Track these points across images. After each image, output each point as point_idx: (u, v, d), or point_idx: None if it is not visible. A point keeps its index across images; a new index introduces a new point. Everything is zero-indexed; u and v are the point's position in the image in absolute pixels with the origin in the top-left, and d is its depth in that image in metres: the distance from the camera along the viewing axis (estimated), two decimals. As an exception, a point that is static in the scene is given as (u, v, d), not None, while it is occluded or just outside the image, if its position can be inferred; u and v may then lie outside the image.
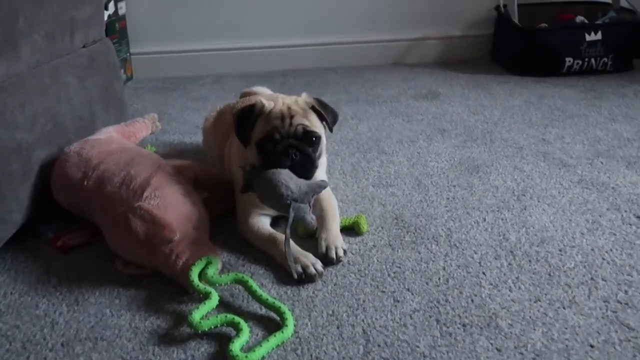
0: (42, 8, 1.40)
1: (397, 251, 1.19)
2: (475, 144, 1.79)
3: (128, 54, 2.77)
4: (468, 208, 1.37)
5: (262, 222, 1.22)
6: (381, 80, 2.60)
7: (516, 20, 2.59)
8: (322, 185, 1.16)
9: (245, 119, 1.21)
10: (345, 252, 1.16)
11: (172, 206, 1.12)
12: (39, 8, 1.39)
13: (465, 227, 1.28)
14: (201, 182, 1.28)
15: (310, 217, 1.12)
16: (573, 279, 1.07)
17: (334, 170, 1.60)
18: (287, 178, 1.12)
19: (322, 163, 1.31)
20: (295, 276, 1.06)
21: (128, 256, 1.12)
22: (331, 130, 1.27)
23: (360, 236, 1.26)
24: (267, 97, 1.29)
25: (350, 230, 1.27)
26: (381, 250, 1.20)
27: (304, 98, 1.26)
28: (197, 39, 2.84)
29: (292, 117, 1.19)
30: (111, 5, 2.61)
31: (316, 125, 1.22)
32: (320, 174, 1.30)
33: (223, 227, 1.28)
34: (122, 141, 1.38)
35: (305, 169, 1.19)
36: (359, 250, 1.20)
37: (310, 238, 1.22)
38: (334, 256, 1.14)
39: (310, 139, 1.20)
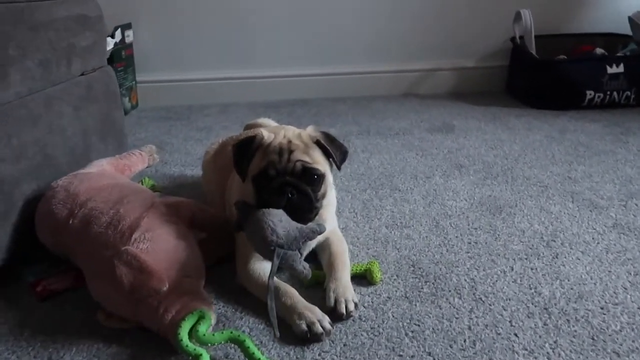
0: (37, 34, 1.32)
1: (415, 305, 1.06)
2: (496, 182, 1.66)
3: (134, 82, 2.71)
4: (493, 255, 1.24)
5: (264, 268, 1.09)
6: (392, 112, 2.50)
7: (534, 52, 2.50)
8: (315, 230, 1.03)
9: (244, 151, 1.11)
10: (356, 305, 1.03)
11: (163, 251, 1.00)
12: (34, 34, 1.31)
13: (490, 277, 1.15)
14: (198, 222, 1.16)
15: (302, 266, 1.00)
16: (621, 345, 0.93)
17: (343, 208, 1.48)
18: (275, 220, 1.00)
19: (331, 203, 1.20)
20: (277, 334, 0.92)
21: (111, 307, 0.99)
22: (339, 169, 1.16)
23: (374, 286, 1.12)
24: (271, 130, 1.18)
25: (361, 278, 1.14)
26: (397, 303, 1.06)
27: (309, 131, 1.15)
28: (204, 67, 2.78)
29: (291, 152, 1.08)
30: (118, 33, 2.56)
31: (319, 161, 1.10)
32: (328, 215, 1.18)
33: (221, 273, 1.16)
34: (115, 175, 1.28)
35: (303, 210, 1.07)
36: (372, 303, 1.07)
37: (316, 287, 1.09)
38: (344, 311, 1.00)
39: (310, 177, 1.08)
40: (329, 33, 2.75)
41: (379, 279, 1.13)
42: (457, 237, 1.33)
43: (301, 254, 1.00)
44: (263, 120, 1.62)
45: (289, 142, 1.09)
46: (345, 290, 1.04)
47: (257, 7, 2.69)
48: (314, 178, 1.09)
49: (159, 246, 1.00)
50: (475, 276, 1.15)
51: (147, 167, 1.60)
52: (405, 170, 1.78)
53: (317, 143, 1.12)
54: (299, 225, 1.02)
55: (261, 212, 1.02)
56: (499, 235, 1.33)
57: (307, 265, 1.01)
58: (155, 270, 0.94)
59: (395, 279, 1.15)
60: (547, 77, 2.45)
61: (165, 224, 1.05)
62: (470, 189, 1.61)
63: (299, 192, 1.06)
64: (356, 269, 1.15)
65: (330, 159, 1.14)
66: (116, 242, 1.00)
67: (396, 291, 1.10)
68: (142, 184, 1.53)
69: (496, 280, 1.13)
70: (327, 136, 1.15)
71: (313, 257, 1.16)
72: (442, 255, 1.24)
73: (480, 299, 1.07)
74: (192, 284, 1.00)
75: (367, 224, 1.41)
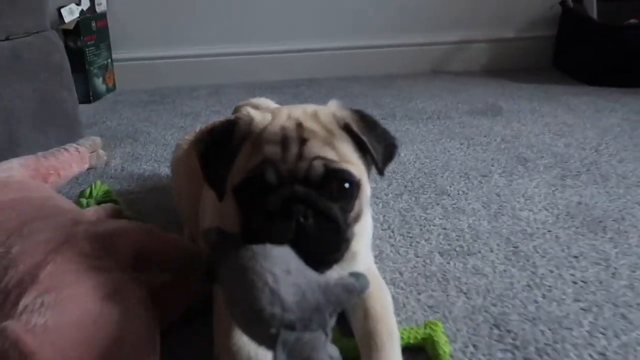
0: None
1: (517, 407, 0.62)
2: (580, 182, 1.21)
3: (109, 60, 2.26)
4: (619, 304, 0.79)
5: (257, 348, 0.63)
6: (420, 92, 2.04)
7: (595, 16, 2.02)
8: (353, 290, 0.56)
9: (219, 147, 0.65)
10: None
11: (73, 328, 0.56)
12: None
13: (630, 348, 0.70)
14: (149, 260, 0.72)
15: (329, 356, 0.54)
16: None
17: (374, 222, 1.03)
18: (278, 272, 0.54)
19: (365, 228, 0.74)
20: None
21: None
22: (381, 173, 0.69)
23: (439, 366, 0.68)
24: (268, 111, 0.71)
25: (417, 352, 0.70)
26: (484, 403, 0.62)
27: (331, 108, 0.69)
28: (194, 42, 2.32)
29: (303, 141, 0.62)
30: (85, 0, 2.11)
31: (351, 160, 0.64)
32: (360, 246, 0.72)
33: (188, 338, 0.72)
34: (28, 185, 0.83)
35: (325, 246, 0.61)
36: (442, 403, 0.63)
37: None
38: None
39: (338, 187, 0.63)
40: (340, 1, 2.28)
41: (447, 355, 0.69)
42: (551, 271, 0.88)
43: (327, 334, 0.55)
44: (259, 101, 1.17)
45: (299, 125, 0.64)
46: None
47: (254, -33, 2.23)
48: (343, 188, 0.63)
49: (65, 318, 0.56)
50: (607, 348, 0.70)
51: (87, 169, 1.15)
52: (451, 166, 1.33)
53: (346, 128, 0.66)
54: (321, 279, 0.57)
55: (250, 254, 0.56)
56: (616, 268, 0.88)
57: (336, 350, 0.56)
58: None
59: (473, 353, 0.70)
60: (613, 47, 1.98)
61: (85, 276, 0.61)
62: (548, 193, 1.16)
63: (318, 213, 0.60)
64: (409, 338, 0.70)
65: (368, 155, 0.68)
66: (-7, 311, 0.57)
67: (479, 377, 0.66)
68: (91, 191, 1.08)
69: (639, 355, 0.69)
70: (363, 118, 0.68)
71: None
72: (539, 306, 0.79)
73: (628, 394, 0.63)
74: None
75: (411, 248, 0.96)
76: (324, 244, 0.61)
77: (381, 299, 0.71)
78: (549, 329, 0.74)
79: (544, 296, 0.81)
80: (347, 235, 0.63)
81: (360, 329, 0.68)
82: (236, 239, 0.61)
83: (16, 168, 0.86)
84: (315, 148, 0.62)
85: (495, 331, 0.74)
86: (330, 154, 0.62)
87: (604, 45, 2.00)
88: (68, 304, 0.57)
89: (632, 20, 2.06)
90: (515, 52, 2.38)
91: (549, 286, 0.84)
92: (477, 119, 1.70)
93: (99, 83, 2.18)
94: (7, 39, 1.11)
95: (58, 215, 0.71)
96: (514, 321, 0.76)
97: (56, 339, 0.54)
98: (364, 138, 0.65)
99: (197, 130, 1.04)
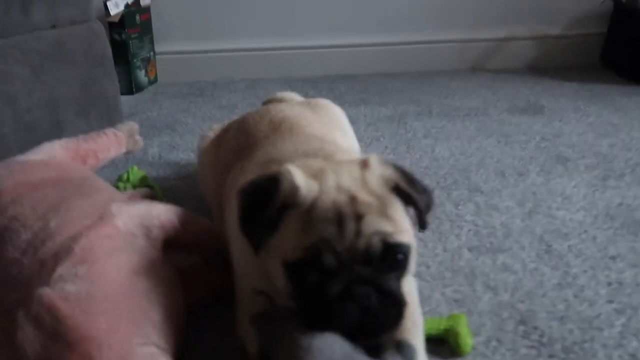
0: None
1: (540, 405, 0.60)
2: (624, 183, 1.16)
3: (152, 53, 2.33)
4: (655, 307, 0.76)
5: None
6: (458, 89, 2.00)
7: (649, 11, 1.93)
8: None
9: (259, 204, 0.61)
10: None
11: (105, 299, 0.58)
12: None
13: (664, 352, 0.67)
14: (181, 242, 0.74)
15: None
16: None
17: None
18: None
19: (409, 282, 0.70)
20: None
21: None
22: (423, 227, 0.64)
23: (462, 358, 0.67)
24: (303, 165, 0.64)
25: (439, 344, 0.69)
26: (505, 398, 0.61)
27: (377, 170, 0.63)
28: (233, 36, 2.36)
29: (359, 217, 0.58)
30: (131, -7, 2.18)
31: (405, 227, 0.61)
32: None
33: (213, 315, 0.74)
34: (68, 166, 0.87)
35: (389, 321, 0.59)
36: (462, 395, 0.62)
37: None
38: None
39: (394, 259, 0.60)
40: (378, -4, 2.27)
41: (469, 347, 0.68)
42: (585, 272, 0.85)
43: None
44: (284, 95, 1.18)
45: (353, 199, 0.59)
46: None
47: (295, -37, 2.25)
48: (398, 261, 0.60)
49: (97, 288, 0.59)
50: (637, 350, 0.68)
51: (125, 153, 1.20)
52: (486, 163, 1.30)
53: (396, 189, 0.62)
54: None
55: (307, 343, 0.54)
56: (656, 271, 0.84)
57: None
58: (80, 336, 0.53)
59: (496, 347, 0.69)
60: (667, 45, 1.88)
61: (117, 251, 0.64)
62: (587, 193, 1.12)
63: (378, 291, 0.57)
64: (432, 329, 0.69)
65: (410, 209, 0.63)
66: (31, 278, 0.60)
67: (501, 372, 0.65)
68: (128, 176, 1.12)
69: (678, 361, 0.65)
70: (404, 173, 0.64)
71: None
72: (569, 305, 0.77)
73: (660, 400, 0.60)
74: (152, 357, 0.58)
75: (440, 243, 0.95)
76: (387, 319, 0.59)
77: (408, 289, 0.70)
78: (579, 328, 0.72)
79: (575, 296, 0.79)
80: (403, 308, 0.60)
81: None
82: (285, 320, 0.59)
83: (57, 150, 0.91)
84: (373, 223, 0.58)
85: (521, 327, 0.72)
86: (387, 227, 0.59)
87: (657, 43, 1.90)
88: (100, 276, 0.60)
89: (689, 17, 1.95)
90: (562, 50, 2.29)
91: (582, 286, 0.81)
92: (517, 117, 1.65)
93: (141, 75, 2.25)
94: (53, 27, 1.16)
95: (95, 194, 0.75)
96: (542, 319, 0.74)
97: (88, 308, 0.57)
98: (412, 194, 0.62)
99: (225, 125, 1.06)
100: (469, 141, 1.45)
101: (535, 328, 0.72)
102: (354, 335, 0.57)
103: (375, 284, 0.57)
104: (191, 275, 0.77)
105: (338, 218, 0.57)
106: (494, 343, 0.70)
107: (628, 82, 1.99)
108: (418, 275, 0.85)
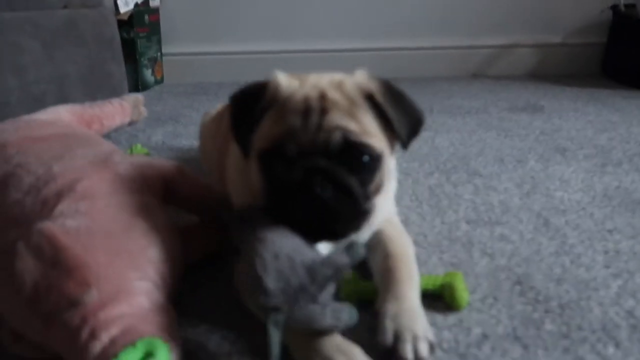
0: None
1: (535, 352, 0.60)
2: (622, 170, 1.17)
3: (159, 53, 2.37)
4: (651, 272, 0.75)
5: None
6: (459, 92, 2.03)
7: (648, 19, 1.96)
8: (340, 266, 0.56)
9: (247, 108, 0.66)
10: (432, 347, 0.58)
11: (103, 233, 0.59)
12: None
13: (661, 310, 0.67)
14: (178, 195, 0.75)
15: (333, 318, 0.56)
16: None
17: (402, 194, 1.03)
18: (267, 256, 0.55)
19: (388, 188, 0.73)
20: None
21: (15, 323, 0.59)
22: (405, 147, 0.67)
23: (457, 313, 0.67)
24: (296, 76, 0.69)
25: (435, 299, 0.69)
26: (500, 346, 0.61)
27: (358, 78, 0.67)
28: (239, 39, 2.41)
29: (324, 112, 0.62)
30: (141, -7, 2.24)
31: (372, 132, 0.64)
32: (382, 200, 0.70)
33: (209, 274, 0.74)
34: (72, 127, 0.89)
35: (341, 218, 0.61)
36: (457, 344, 0.62)
37: (362, 306, 0.64)
38: (410, 354, 0.56)
39: (357, 160, 0.62)
40: (382, 3, 2.32)
41: (465, 301, 0.68)
42: (582, 242, 0.85)
43: (324, 304, 0.56)
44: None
45: (322, 95, 0.63)
46: (412, 319, 0.60)
47: (301, -33, 2.31)
48: (362, 162, 0.62)
49: (97, 225, 0.59)
50: (634, 308, 0.67)
51: (129, 123, 1.21)
52: (485, 152, 1.31)
53: (370, 99, 0.65)
54: (308, 259, 0.56)
55: (253, 236, 0.58)
56: (652, 242, 0.84)
57: (345, 314, 0.56)
58: (78, 264, 0.54)
59: (492, 304, 0.69)
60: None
61: (118, 192, 0.65)
62: (586, 178, 1.13)
63: (336, 186, 0.60)
64: (428, 284, 0.70)
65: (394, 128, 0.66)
66: (31, 215, 0.61)
67: (496, 325, 0.65)
68: (132, 151, 1.14)
69: (674, 317, 0.65)
70: (390, 89, 0.67)
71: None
72: (566, 269, 0.77)
73: (655, 349, 0.60)
74: (148, 293, 0.58)
75: (438, 216, 0.96)
76: (340, 215, 0.61)
77: (403, 244, 0.72)
78: (575, 289, 0.72)
79: (572, 262, 0.79)
80: (365, 207, 0.63)
81: (379, 268, 0.69)
82: (254, 213, 0.62)
83: (63, 113, 0.92)
84: (336, 119, 0.61)
85: (518, 287, 0.72)
86: (351, 125, 0.62)
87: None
88: (101, 213, 0.61)
89: (687, 23, 1.98)
90: (562, 58, 2.33)
91: (579, 254, 0.81)
92: (517, 114, 1.67)
93: (148, 74, 2.28)
94: (65, 7, 1.19)
95: (96, 146, 0.76)
96: (538, 280, 0.74)
97: (87, 242, 0.57)
98: (388, 110, 0.64)
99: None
100: (468, 134, 1.47)
101: (532, 287, 0.72)
102: (315, 236, 0.60)
103: (334, 178, 0.60)
104: (189, 235, 0.78)
105: (305, 111, 0.62)
106: (490, 300, 0.70)
107: (628, 88, 2.01)
108: (415, 243, 0.85)
